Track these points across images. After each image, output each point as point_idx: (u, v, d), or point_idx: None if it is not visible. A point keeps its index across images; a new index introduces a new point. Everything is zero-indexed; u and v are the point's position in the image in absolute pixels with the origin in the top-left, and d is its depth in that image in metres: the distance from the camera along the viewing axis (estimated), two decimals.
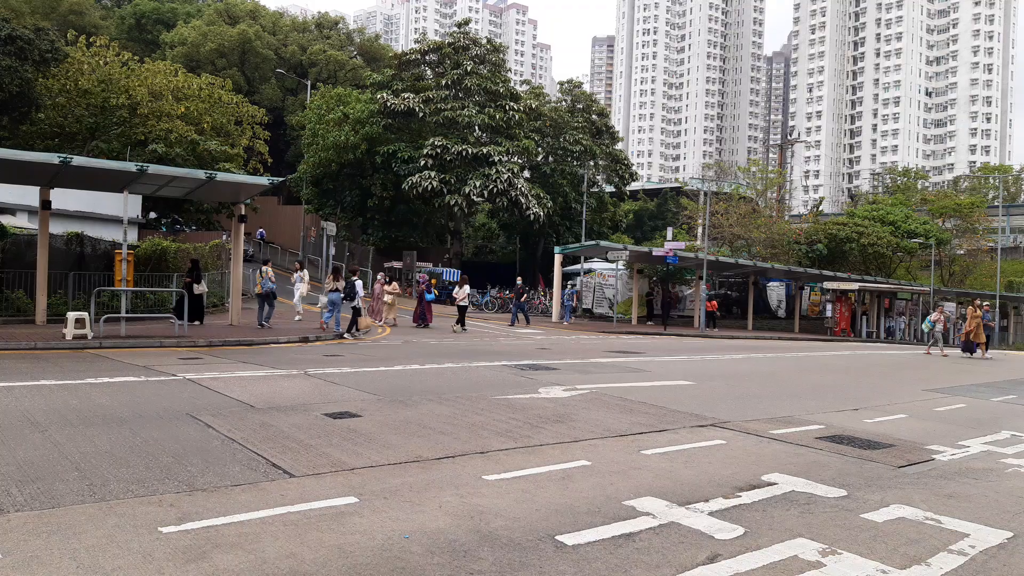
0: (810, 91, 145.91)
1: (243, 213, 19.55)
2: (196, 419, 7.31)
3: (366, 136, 41.27)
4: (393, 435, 6.97)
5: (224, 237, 26.15)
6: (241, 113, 36.79)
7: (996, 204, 59.04)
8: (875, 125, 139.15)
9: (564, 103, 50.62)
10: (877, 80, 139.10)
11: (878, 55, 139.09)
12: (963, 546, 4.63)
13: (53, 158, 14.73)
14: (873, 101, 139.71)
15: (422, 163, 38.99)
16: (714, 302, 37.07)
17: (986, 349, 24.52)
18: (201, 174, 16.98)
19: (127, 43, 48.18)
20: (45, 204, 17.26)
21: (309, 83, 52.18)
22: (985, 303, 27.46)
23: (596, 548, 4.25)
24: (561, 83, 53.61)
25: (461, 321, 22.95)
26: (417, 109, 40.28)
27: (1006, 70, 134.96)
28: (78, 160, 15.23)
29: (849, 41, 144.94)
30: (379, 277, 25.00)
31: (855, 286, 37.22)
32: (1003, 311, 47.95)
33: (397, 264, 42.07)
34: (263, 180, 19.82)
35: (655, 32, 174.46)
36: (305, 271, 22.85)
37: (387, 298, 23.67)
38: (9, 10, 34.37)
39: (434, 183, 38.31)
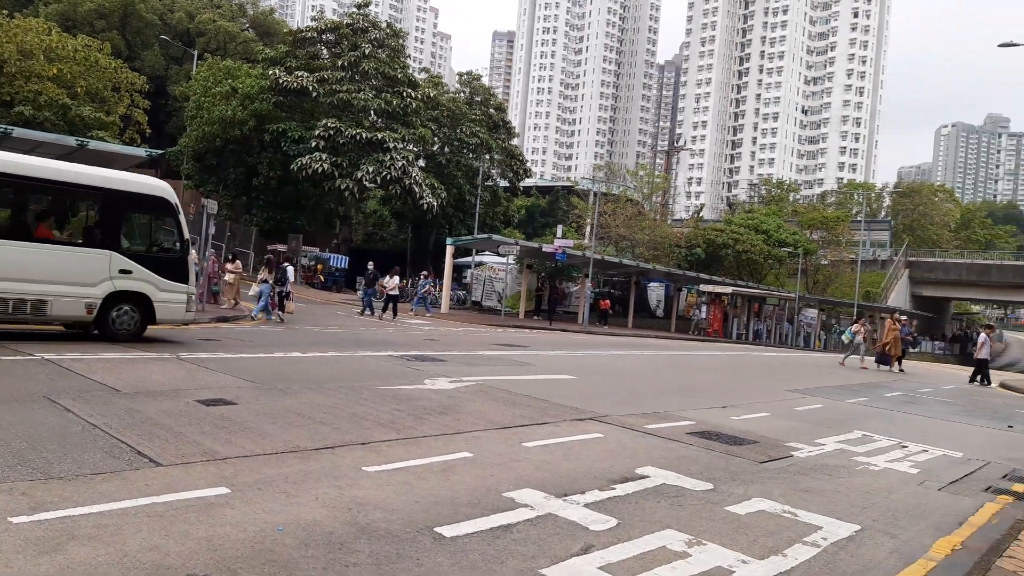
0: (697, 101, 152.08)
1: None
2: (54, 403, 6.83)
3: (255, 113, 39.63)
4: (270, 424, 6.77)
5: None
6: (119, 79, 34.55)
7: (859, 219, 63.62)
8: (755, 138, 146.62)
9: (462, 95, 50.48)
10: (759, 95, 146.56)
11: (761, 71, 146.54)
12: (816, 538, 4.97)
13: None
14: (754, 115, 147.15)
15: (313, 144, 37.88)
16: (607, 300, 38.15)
17: (901, 362, 24.24)
18: (71, 141, 15.88)
19: None
20: None
21: (196, 53, 49.61)
22: (903, 316, 28.00)
23: (474, 540, 4.29)
24: (460, 74, 53.41)
25: (394, 311, 24.65)
26: (311, 88, 39.07)
27: (875, 93, 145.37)
28: None
29: (736, 56, 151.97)
30: (209, 252, 21.02)
31: (729, 290, 39.21)
32: (859, 319, 51.66)
33: (282, 247, 40.69)
34: (140, 151, 18.75)
35: (554, 31, 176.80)
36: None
37: (228, 277, 21.33)
38: None
39: (325, 166, 37.30)
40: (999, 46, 27.20)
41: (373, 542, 4.10)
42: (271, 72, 39.44)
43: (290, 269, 21.47)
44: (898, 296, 61.23)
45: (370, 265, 29.46)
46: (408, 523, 4.46)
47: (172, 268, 12.30)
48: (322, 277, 37.93)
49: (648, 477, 6.12)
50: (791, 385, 15.34)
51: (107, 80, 33.61)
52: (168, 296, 12.18)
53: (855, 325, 25.79)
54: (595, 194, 39.08)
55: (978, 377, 21.68)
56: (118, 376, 8.52)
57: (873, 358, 24.65)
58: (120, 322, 11.78)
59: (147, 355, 10.49)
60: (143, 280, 11.91)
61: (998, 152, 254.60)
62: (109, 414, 6.57)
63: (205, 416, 6.84)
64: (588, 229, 43.07)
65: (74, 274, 11.33)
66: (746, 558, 4.42)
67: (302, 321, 19.77)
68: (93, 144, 16.41)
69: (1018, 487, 7.26)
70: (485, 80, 59.91)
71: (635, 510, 5.17)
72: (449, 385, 10.08)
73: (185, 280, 12.44)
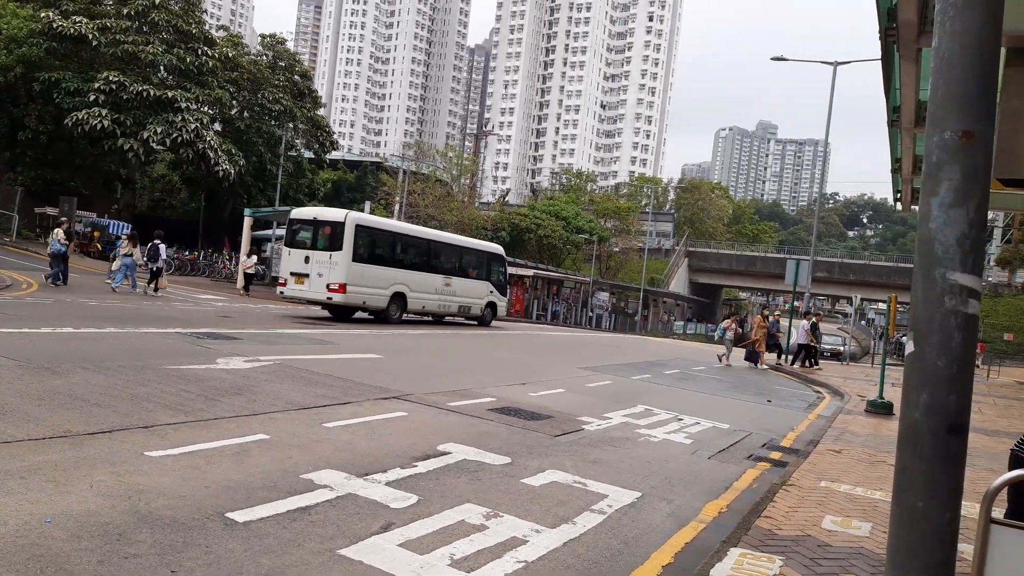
0: (506, 88, 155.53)
1: None
2: None
3: (22, 58, 34.98)
4: (36, 407, 6.09)
5: None
6: None
7: (647, 211, 68.57)
8: (558, 128, 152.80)
9: (265, 58, 47.84)
10: (563, 87, 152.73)
11: (565, 64, 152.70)
12: (603, 506, 5.35)
13: None
14: (558, 106, 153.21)
15: (92, 98, 34.18)
16: None
17: (763, 360, 22.82)
18: None
19: None
20: None
21: None
22: (776, 312, 24.36)
23: (269, 523, 4.16)
24: (263, 36, 50.56)
25: (247, 288, 26.83)
26: (91, 36, 35.15)
27: (665, 94, 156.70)
28: None
29: (542, 47, 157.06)
30: None
31: (531, 272, 40.80)
32: (645, 302, 55.88)
33: (52, 211, 36.50)
34: None
35: (365, 2, 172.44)
36: None
37: None
38: None
39: (105, 123, 33.83)
40: (772, 59, 30.36)
41: (156, 531, 3.85)
42: (43, 14, 35.00)
43: (162, 246, 21.31)
44: (678, 282, 66.97)
45: (59, 232, 23.87)
46: (196, 510, 4.22)
47: (502, 289, 27.00)
48: (99, 246, 34.50)
49: (450, 453, 6.25)
50: (584, 363, 16.28)
51: None
52: (502, 304, 27.12)
53: (726, 321, 24.82)
54: (404, 172, 38.81)
55: (798, 359, 22.89)
56: None
57: (742, 355, 23.20)
58: (485, 316, 25.70)
59: None
60: (495, 296, 26.19)
61: (767, 156, 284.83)
62: None
63: None
64: (397, 207, 42.74)
65: (477, 293, 25.10)
66: (540, 527, 4.67)
67: (75, 292, 17.89)
68: None
69: (775, 455, 8.24)
70: (290, 45, 57.20)
71: (436, 486, 5.26)
72: (244, 364, 9.61)
73: (505, 294, 27.51)
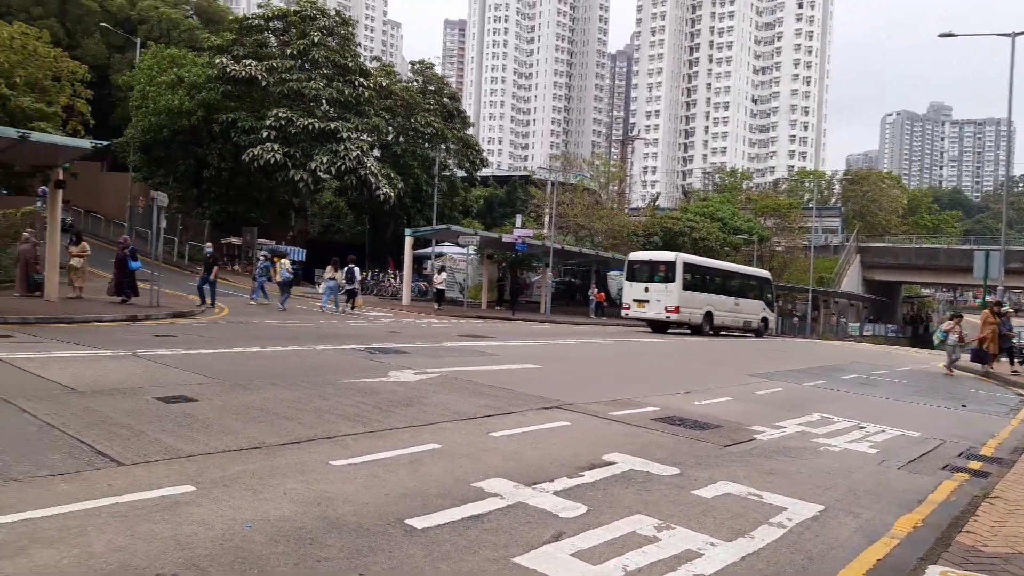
0: (650, 91, 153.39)
1: (61, 178, 17.84)
2: (9, 403, 6.61)
3: (203, 102, 38.74)
4: (233, 420, 6.65)
5: (39, 204, 23.73)
6: (60, 68, 33.43)
7: (811, 206, 64.99)
8: (707, 127, 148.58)
9: (415, 84, 50.08)
10: (710, 84, 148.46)
11: (711, 61, 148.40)
12: (782, 519, 5.08)
13: None
14: (706, 104, 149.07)
15: (265, 135, 37.23)
16: (601, 293, 38.66)
17: (996, 361, 19.46)
18: (12, 132, 15.30)
19: None
20: None
21: (139, 41, 48.17)
22: (1005, 307, 20.85)
23: (445, 530, 4.28)
24: (413, 63, 52.95)
25: (439, 302, 29.95)
26: (260, 77, 38.35)
27: (822, 83, 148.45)
28: None
29: (686, 46, 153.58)
30: (26, 235, 19.83)
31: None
32: (815, 303, 52.98)
33: (236, 240, 40.01)
34: (84, 143, 18.19)
35: (506, 20, 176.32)
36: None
37: (74, 262, 19.67)
38: None
39: (277, 156, 36.71)
40: (940, 36, 27.98)
41: (344, 536, 4.07)
42: (218, 60, 38.60)
43: (356, 269, 24.81)
44: (851, 280, 62.81)
45: (208, 247, 26.39)
46: (378, 516, 4.43)
47: (771, 306, 33.53)
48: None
49: (615, 463, 6.18)
50: (751, 370, 15.63)
51: (47, 69, 32.52)
52: (771, 318, 34.35)
53: (948, 323, 20.86)
54: (552, 184, 39.18)
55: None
56: (73, 375, 8.28)
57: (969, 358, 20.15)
58: (760, 328, 31.90)
59: (102, 352, 10.22)
60: (766, 312, 32.71)
61: (942, 139, 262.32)
62: (66, 413, 6.39)
63: (166, 413, 6.69)
64: (547, 219, 43.20)
65: (755, 311, 31.66)
66: (715, 540, 4.50)
67: (261, 315, 19.46)
68: (35, 136, 15.85)
69: (974, 464, 7.51)
70: (438, 69, 59.51)
71: (604, 496, 5.22)
72: (413, 377, 10.02)
73: (773, 311, 34.40)
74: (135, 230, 43.47)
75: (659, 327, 27.83)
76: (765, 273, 35.39)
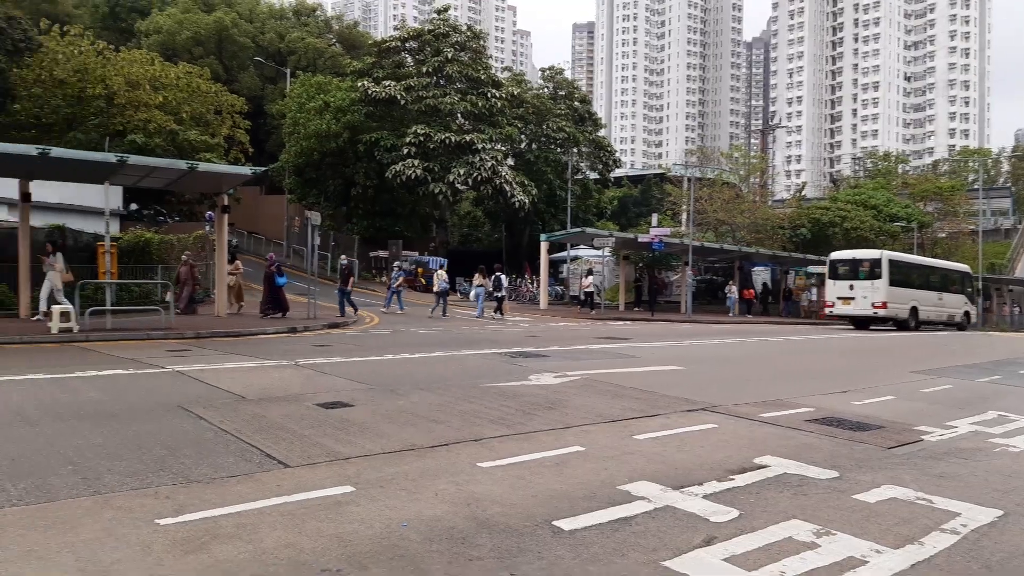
0: (790, 76, 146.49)
1: (226, 204, 19.38)
2: (188, 411, 7.27)
3: (348, 124, 40.93)
4: (386, 424, 6.96)
5: (207, 228, 25.94)
6: (220, 102, 36.39)
7: (976, 187, 59.70)
8: (855, 110, 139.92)
9: (546, 90, 50.51)
10: (856, 65, 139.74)
11: (856, 40, 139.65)
12: (955, 525, 4.70)
13: (31, 150, 14.54)
14: (852, 86, 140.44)
15: (405, 151, 38.80)
16: (751, 290, 37.69)
17: None
18: (182, 164, 16.80)
19: (101, 32, 47.41)
20: (25, 197, 17.04)
21: (288, 71, 51.66)
22: None
23: (593, 532, 4.28)
24: (542, 70, 53.44)
25: (592, 306, 30.29)
26: (399, 97, 40.04)
27: (983, 54, 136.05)
28: (57, 151, 15.04)
29: (828, 26, 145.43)
30: (184, 257, 21.10)
31: None
32: (986, 293, 48.59)
33: (383, 253, 41.93)
34: (245, 170, 19.68)
35: (635, 18, 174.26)
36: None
37: (228, 280, 20.38)
38: None
39: (418, 171, 38.16)
40: None
41: (494, 536, 4.16)
42: (360, 84, 40.65)
43: (503, 277, 25.68)
44: None
45: (343, 259, 26.46)
46: (526, 517, 4.49)
47: (972, 300, 34.17)
48: (423, 280, 38.76)
49: (768, 467, 5.94)
50: (916, 366, 14.55)
51: (209, 104, 35.47)
52: (973, 312, 34.63)
53: None
54: (689, 179, 38.28)
55: None
56: (243, 384, 8.98)
57: None
58: (963, 323, 32.49)
59: (267, 363, 11.01)
60: (968, 306, 33.05)
61: None
62: (238, 420, 6.93)
63: (326, 418, 7.11)
64: (684, 216, 42.22)
65: (957, 305, 32.07)
66: (880, 547, 4.22)
67: (407, 323, 20.27)
68: (202, 166, 17.33)
69: None
70: (568, 74, 59.73)
71: (757, 500, 5.03)
72: (554, 380, 10.09)
73: (975, 304, 34.27)
74: (292, 248, 46.61)
75: (862, 323, 28.98)
76: (965, 267, 35.84)
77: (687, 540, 4.22)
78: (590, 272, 32.29)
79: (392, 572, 3.65)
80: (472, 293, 25.52)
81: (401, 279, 25.03)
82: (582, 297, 31.53)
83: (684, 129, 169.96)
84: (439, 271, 26.00)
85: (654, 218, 37.04)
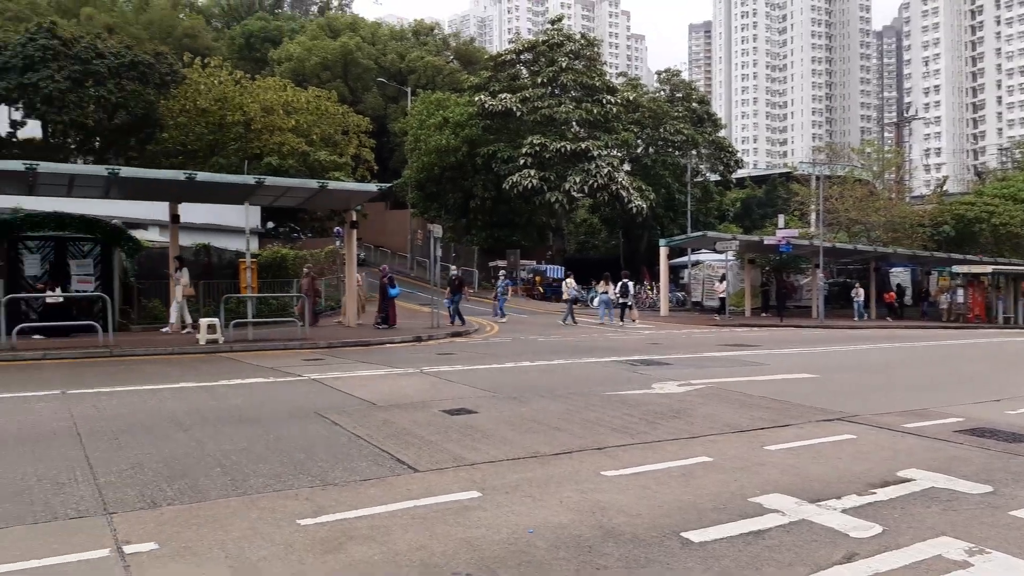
0: (926, 65, 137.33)
1: (355, 219, 20.25)
2: (323, 417, 7.64)
3: (466, 138, 41.87)
4: (509, 431, 7.05)
5: (337, 243, 27.22)
6: (347, 123, 38.09)
7: None
8: (999, 97, 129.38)
9: (663, 93, 49.78)
10: (999, 49, 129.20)
11: (999, 22, 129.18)
12: None
13: (180, 175, 15.77)
14: (996, 72, 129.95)
15: (522, 162, 39.24)
16: (892, 292, 35.89)
17: None
18: (314, 184, 17.72)
19: (238, 62, 50.78)
20: (174, 218, 18.45)
21: (409, 90, 53.45)
22: None
23: (724, 545, 4.15)
24: (658, 73, 52.72)
25: (723, 311, 28.87)
26: (514, 109, 40.56)
27: None
28: (202, 176, 16.25)
29: (966, 10, 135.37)
30: (305, 270, 21.54)
31: (988, 269, 34.79)
32: None
33: (502, 263, 42.54)
34: (372, 187, 20.50)
35: (754, 15, 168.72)
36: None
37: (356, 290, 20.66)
38: (130, 37, 36.91)
39: (534, 181, 38.49)
40: None
41: (620, 545, 4.11)
42: (477, 98, 41.48)
43: (630, 283, 25.49)
44: None
45: (453, 270, 29.35)
46: (653, 527, 4.41)
47: None
48: (541, 289, 39.00)
49: (913, 480, 5.57)
50: None
51: (337, 125, 37.19)
52: None
53: None
54: (817, 178, 36.57)
55: None
56: (373, 391, 9.34)
57: None
58: None
59: (395, 371, 11.40)
60: None
61: None
62: (369, 425, 7.22)
63: (451, 425, 7.29)
64: (813, 216, 40.39)
65: None
66: None
67: (527, 331, 20.45)
68: (332, 185, 18.21)
69: None
70: (684, 75, 58.58)
71: (902, 516, 4.73)
72: (678, 389, 9.89)
73: None
74: (416, 260, 48.09)
75: None
76: None
77: (826, 556, 4.02)
78: (723, 277, 31.27)
79: None
80: (596, 300, 25.46)
81: (507, 287, 25.27)
82: (716, 303, 30.77)
83: (810, 126, 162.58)
84: (568, 280, 26.17)
85: (780, 219, 35.60)
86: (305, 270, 21.53)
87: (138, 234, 21.94)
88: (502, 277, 26.73)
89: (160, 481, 5.28)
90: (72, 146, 32.07)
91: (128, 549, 3.96)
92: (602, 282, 25.21)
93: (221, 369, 11.65)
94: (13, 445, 6.37)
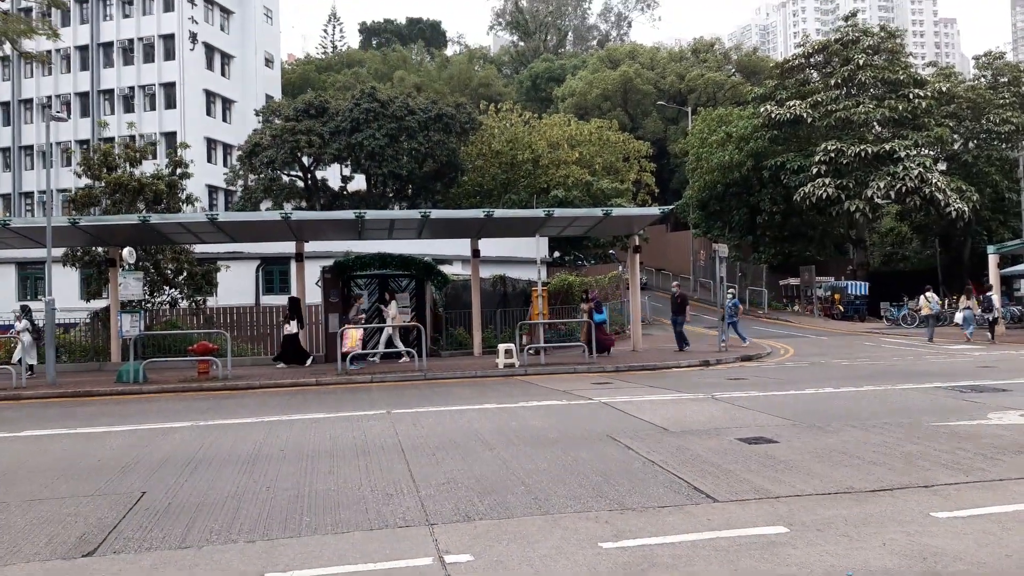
0: None
1: (637, 244, 20.40)
2: (616, 440, 7.72)
3: (751, 152, 40.23)
4: (815, 463, 6.53)
5: (620, 268, 27.65)
6: (627, 150, 38.75)
7: None
8: None
9: (983, 79, 43.46)
10: None
11: None
12: None
13: (479, 213, 17.17)
14: None
15: (814, 171, 36.61)
16: None
17: None
18: (599, 212, 18.20)
19: (526, 103, 54.10)
20: (475, 253, 20.05)
21: (689, 110, 52.83)
22: None
23: None
24: (976, 57, 46.20)
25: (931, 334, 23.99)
26: (804, 115, 38.07)
27: None
28: (498, 213, 17.53)
29: None
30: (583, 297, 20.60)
31: None
32: None
33: (794, 280, 39.99)
34: (654, 211, 20.55)
35: None
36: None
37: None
38: (435, 92, 41.20)
39: (829, 190, 35.68)
40: None
41: None
42: (762, 109, 39.70)
43: (995, 297, 23.55)
44: None
45: (675, 287, 23.27)
46: None
47: None
48: (840, 307, 35.95)
49: None
50: None
51: (617, 153, 37.99)
52: None
53: None
54: None
55: None
56: (663, 416, 9.26)
57: None
58: None
59: (684, 395, 11.21)
60: None
61: None
62: (663, 451, 7.15)
63: (749, 454, 6.95)
64: None
65: None
66: None
67: (825, 354, 18.95)
68: (616, 211, 18.55)
69: None
70: (1009, 56, 50.67)
71: None
72: (1021, 420, 8.46)
73: None
74: (699, 281, 47.13)
75: None
76: None
77: None
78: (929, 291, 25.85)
79: None
80: (959, 316, 23.43)
81: (736, 307, 21.93)
82: None
83: None
84: (927, 294, 24.25)
85: None
86: (583, 297, 21.40)
87: (444, 268, 24.23)
88: (731, 296, 22.19)
89: (472, 496, 5.70)
90: (390, 194, 36.55)
91: (448, 559, 4.31)
92: (963, 296, 24.12)
93: (518, 391, 12.34)
94: (351, 458, 7.31)
